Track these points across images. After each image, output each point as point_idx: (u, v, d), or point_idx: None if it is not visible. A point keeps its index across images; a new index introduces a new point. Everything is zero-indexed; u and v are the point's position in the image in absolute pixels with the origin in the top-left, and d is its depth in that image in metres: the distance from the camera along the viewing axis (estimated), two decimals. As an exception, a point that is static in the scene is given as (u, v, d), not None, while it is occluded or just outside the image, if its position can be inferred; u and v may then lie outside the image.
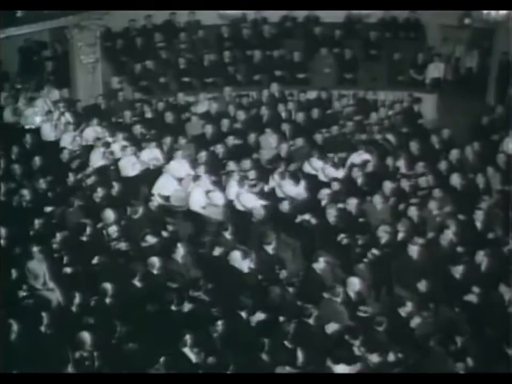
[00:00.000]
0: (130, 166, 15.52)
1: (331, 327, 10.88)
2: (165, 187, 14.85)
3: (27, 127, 17.05)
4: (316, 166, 15.78)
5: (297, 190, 14.94)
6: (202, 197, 14.44)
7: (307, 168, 15.85)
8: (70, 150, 15.96)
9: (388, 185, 14.52)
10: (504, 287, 11.39)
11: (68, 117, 17.17)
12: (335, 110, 18.69)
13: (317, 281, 12.08)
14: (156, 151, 16.01)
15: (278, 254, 12.93)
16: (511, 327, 10.43)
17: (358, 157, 16.00)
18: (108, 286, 11.14)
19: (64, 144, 16.29)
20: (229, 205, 14.52)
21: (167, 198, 14.71)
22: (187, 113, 18.26)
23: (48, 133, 16.82)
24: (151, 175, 15.32)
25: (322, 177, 15.58)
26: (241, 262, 12.12)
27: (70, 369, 9.77)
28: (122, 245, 12.88)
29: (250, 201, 14.36)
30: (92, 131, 16.63)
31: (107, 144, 15.92)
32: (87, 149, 16.06)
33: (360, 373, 9.81)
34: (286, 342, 10.29)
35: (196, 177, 14.78)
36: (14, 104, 17.50)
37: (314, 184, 15.23)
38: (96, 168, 15.41)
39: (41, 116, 17.19)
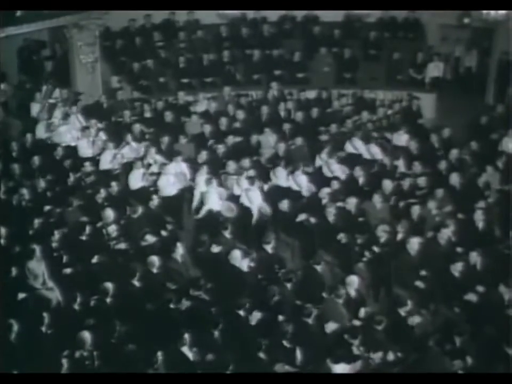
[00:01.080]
0: (170, 186, 14.99)
1: (330, 327, 10.88)
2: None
3: (63, 144, 16.17)
4: (357, 145, 16.21)
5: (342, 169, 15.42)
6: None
7: (349, 148, 16.35)
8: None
9: (387, 184, 14.52)
10: (503, 287, 11.39)
11: (103, 134, 16.48)
12: (334, 109, 18.67)
13: (317, 280, 12.09)
14: (183, 165, 15.46)
15: (278, 253, 12.94)
16: (511, 327, 10.45)
17: (399, 137, 16.61)
18: (108, 285, 11.14)
19: (105, 163, 15.59)
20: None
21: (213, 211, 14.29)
22: (187, 113, 18.27)
23: (86, 150, 16.05)
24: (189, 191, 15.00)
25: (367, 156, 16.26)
26: (241, 261, 12.14)
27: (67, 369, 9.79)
28: (122, 245, 12.88)
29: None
30: (131, 149, 15.94)
31: (147, 166, 15.39)
32: (127, 168, 15.47)
33: (359, 373, 9.83)
34: (285, 342, 10.30)
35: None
36: (47, 119, 16.87)
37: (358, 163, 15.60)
38: (135, 189, 14.97)
39: (76, 132, 16.50)
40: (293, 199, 14.30)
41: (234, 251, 12.21)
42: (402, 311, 11.06)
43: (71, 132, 16.48)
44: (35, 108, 17.28)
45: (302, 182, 15.04)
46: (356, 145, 16.36)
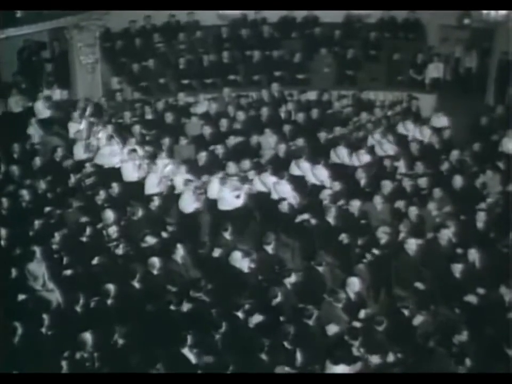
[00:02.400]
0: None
1: (331, 329, 10.88)
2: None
3: (106, 166, 15.69)
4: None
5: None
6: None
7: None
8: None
9: (388, 185, 14.52)
10: (504, 288, 11.39)
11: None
12: (335, 110, 18.67)
13: (318, 281, 12.08)
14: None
15: (278, 254, 12.94)
16: (511, 327, 10.45)
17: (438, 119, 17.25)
18: (110, 287, 11.14)
19: (151, 188, 14.90)
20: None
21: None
22: (187, 114, 18.27)
23: (131, 173, 15.28)
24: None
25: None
26: (242, 262, 12.14)
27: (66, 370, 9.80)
28: (121, 247, 12.87)
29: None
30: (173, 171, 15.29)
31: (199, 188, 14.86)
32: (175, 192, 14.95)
33: (360, 373, 9.83)
34: (285, 343, 10.29)
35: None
36: (86, 139, 16.21)
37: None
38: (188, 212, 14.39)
39: (120, 155, 15.79)
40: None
41: (234, 252, 12.21)
42: (403, 312, 11.07)
43: (115, 154, 15.81)
44: (73, 128, 16.75)
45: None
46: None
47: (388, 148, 16.53)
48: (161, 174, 15.03)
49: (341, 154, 16.20)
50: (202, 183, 14.85)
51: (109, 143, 16.03)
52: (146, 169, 15.29)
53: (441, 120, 17.65)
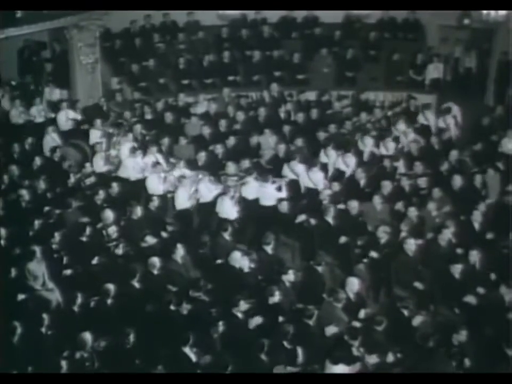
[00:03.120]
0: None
1: (330, 330, 10.88)
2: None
3: (132, 179, 15.33)
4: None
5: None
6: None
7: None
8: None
9: (387, 186, 14.52)
10: (504, 289, 11.39)
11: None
12: (334, 111, 18.68)
13: (317, 281, 12.09)
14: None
15: (278, 254, 12.94)
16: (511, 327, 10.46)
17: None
18: (110, 286, 11.14)
19: (182, 203, 14.56)
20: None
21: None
22: (187, 114, 18.28)
23: (156, 186, 14.87)
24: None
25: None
26: (242, 262, 12.14)
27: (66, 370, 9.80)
28: (121, 247, 12.87)
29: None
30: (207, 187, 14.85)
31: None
32: (209, 206, 14.64)
33: (359, 373, 9.83)
34: (285, 342, 10.30)
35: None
36: (106, 151, 15.93)
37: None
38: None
39: (143, 166, 15.39)
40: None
41: (234, 252, 12.22)
42: (402, 312, 11.08)
43: (138, 166, 15.44)
44: (94, 135, 16.50)
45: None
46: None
47: (411, 137, 16.77)
48: (191, 190, 14.59)
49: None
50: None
51: (133, 155, 15.64)
52: (172, 182, 14.89)
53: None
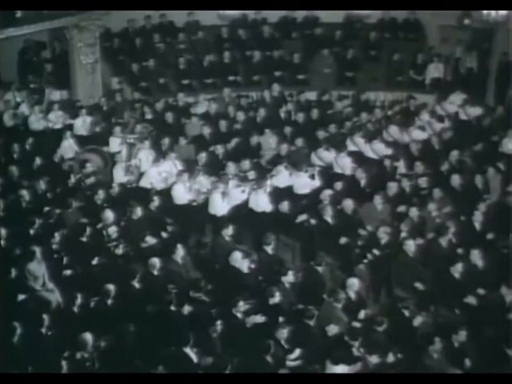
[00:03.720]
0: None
1: (331, 330, 10.87)
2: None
3: (157, 189, 14.83)
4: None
5: None
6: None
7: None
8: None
9: (393, 187, 14.49)
10: (505, 289, 11.38)
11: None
12: (335, 111, 18.67)
13: (318, 282, 12.08)
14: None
15: (278, 254, 12.93)
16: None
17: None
18: (110, 287, 11.13)
19: (217, 211, 14.16)
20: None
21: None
22: (187, 114, 18.27)
23: (182, 195, 14.52)
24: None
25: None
26: (242, 262, 12.13)
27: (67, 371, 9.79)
28: (121, 247, 12.86)
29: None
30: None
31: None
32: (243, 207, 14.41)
33: (360, 373, 9.83)
34: (285, 343, 10.29)
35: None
36: (126, 161, 15.52)
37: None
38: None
39: (166, 174, 15.04)
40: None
41: (234, 252, 12.20)
42: (403, 313, 11.07)
43: (161, 175, 15.04)
44: (114, 144, 16.15)
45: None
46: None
47: (436, 126, 17.16)
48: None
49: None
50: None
51: (156, 164, 15.36)
52: (197, 190, 14.55)
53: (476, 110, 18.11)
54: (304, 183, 14.71)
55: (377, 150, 16.18)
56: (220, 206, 14.09)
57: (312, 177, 14.69)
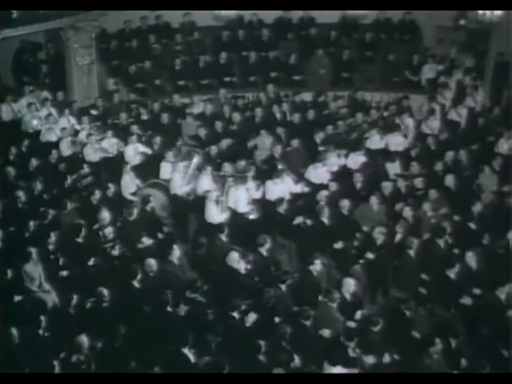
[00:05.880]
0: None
1: (327, 331, 10.88)
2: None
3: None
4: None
5: None
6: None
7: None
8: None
9: (388, 186, 14.51)
10: (501, 289, 11.40)
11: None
12: (330, 111, 18.68)
13: (314, 283, 12.08)
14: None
15: (274, 255, 12.93)
16: (510, 328, 10.47)
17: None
18: (103, 290, 11.13)
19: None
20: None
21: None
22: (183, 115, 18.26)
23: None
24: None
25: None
26: (238, 263, 12.13)
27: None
28: (118, 248, 12.86)
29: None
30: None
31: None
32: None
33: (357, 373, 9.84)
34: (283, 343, 10.30)
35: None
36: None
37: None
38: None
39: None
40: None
41: (231, 253, 12.21)
42: (399, 313, 11.09)
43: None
44: (165, 169, 15.39)
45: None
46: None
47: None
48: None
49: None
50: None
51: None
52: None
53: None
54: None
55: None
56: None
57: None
